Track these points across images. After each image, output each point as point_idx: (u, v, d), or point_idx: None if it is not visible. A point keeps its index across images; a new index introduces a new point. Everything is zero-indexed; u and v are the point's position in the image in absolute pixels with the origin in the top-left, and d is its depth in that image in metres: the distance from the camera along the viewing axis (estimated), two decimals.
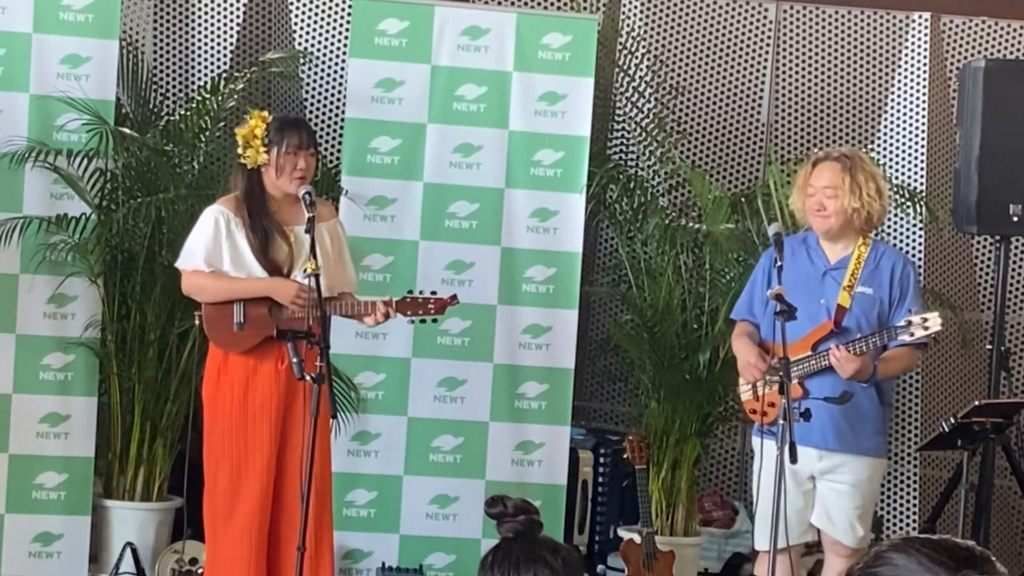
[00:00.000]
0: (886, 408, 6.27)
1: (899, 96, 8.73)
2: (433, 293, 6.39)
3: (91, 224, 7.40)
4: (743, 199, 8.03)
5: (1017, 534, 8.82)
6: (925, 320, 5.99)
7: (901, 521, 8.55)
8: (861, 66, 8.81)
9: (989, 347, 7.90)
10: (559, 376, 7.74)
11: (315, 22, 8.52)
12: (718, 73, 8.83)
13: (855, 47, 8.82)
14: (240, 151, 6.24)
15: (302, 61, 8.42)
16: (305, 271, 6.03)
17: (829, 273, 6.15)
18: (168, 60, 8.52)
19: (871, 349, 6.01)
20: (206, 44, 8.51)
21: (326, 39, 8.52)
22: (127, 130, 7.64)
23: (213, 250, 6.23)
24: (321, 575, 6.22)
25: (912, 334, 6.00)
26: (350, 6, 8.10)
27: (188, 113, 7.87)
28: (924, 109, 8.62)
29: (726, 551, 8.29)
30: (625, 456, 7.77)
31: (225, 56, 8.51)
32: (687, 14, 8.80)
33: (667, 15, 8.78)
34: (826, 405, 5.92)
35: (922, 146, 8.60)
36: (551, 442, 7.73)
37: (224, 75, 8.16)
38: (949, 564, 1.98)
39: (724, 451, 8.75)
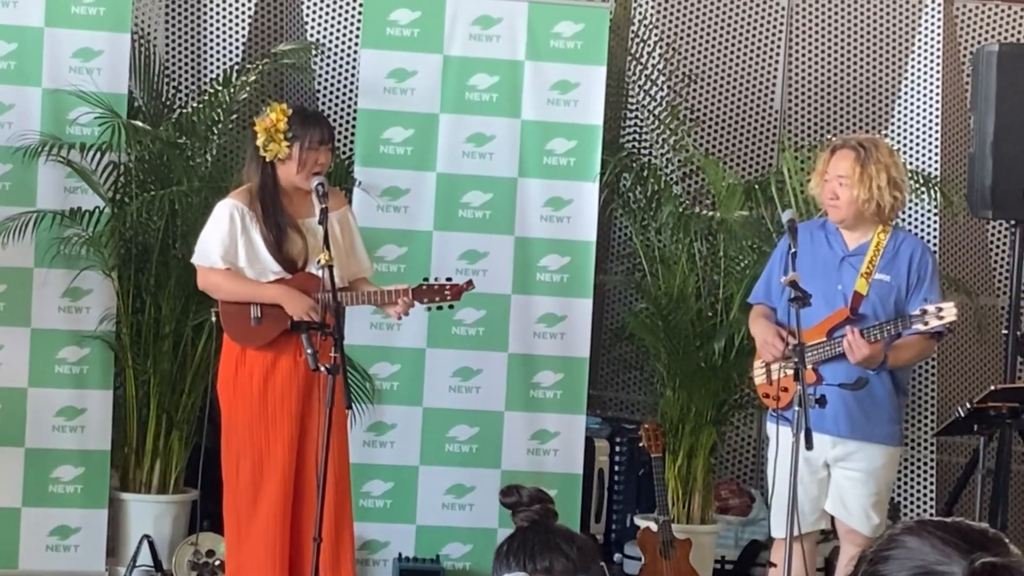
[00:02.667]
0: (901, 397, 6.25)
1: (913, 81, 8.70)
2: (449, 279, 6.41)
3: (105, 217, 7.41)
4: (757, 186, 8.01)
5: None
6: (940, 310, 5.96)
7: (918, 507, 8.54)
8: (874, 51, 8.79)
9: (1005, 332, 7.88)
10: (574, 365, 7.74)
11: (327, 13, 8.52)
12: (731, 60, 8.82)
13: (868, 32, 8.80)
14: (260, 144, 6.23)
15: (314, 52, 8.41)
16: (319, 262, 6.04)
17: (847, 259, 6.14)
18: (180, 53, 8.52)
19: (885, 337, 6.00)
20: (218, 36, 8.51)
21: (338, 30, 8.51)
22: (140, 123, 7.65)
23: (229, 246, 6.24)
24: (342, 566, 6.24)
25: (927, 323, 5.97)
26: None
27: (201, 106, 7.87)
28: (938, 94, 8.59)
29: (743, 539, 8.29)
30: (641, 444, 7.77)
31: (237, 48, 8.51)
32: (699, 1, 8.78)
33: (679, 2, 8.77)
34: (840, 392, 5.91)
35: (936, 131, 8.57)
36: (567, 431, 7.73)
37: (236, 67, 8.16)
38: (962, 546, 1.97)
39: (740, 439, 8.74)
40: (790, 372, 5.89)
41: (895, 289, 6.11)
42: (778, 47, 8.83)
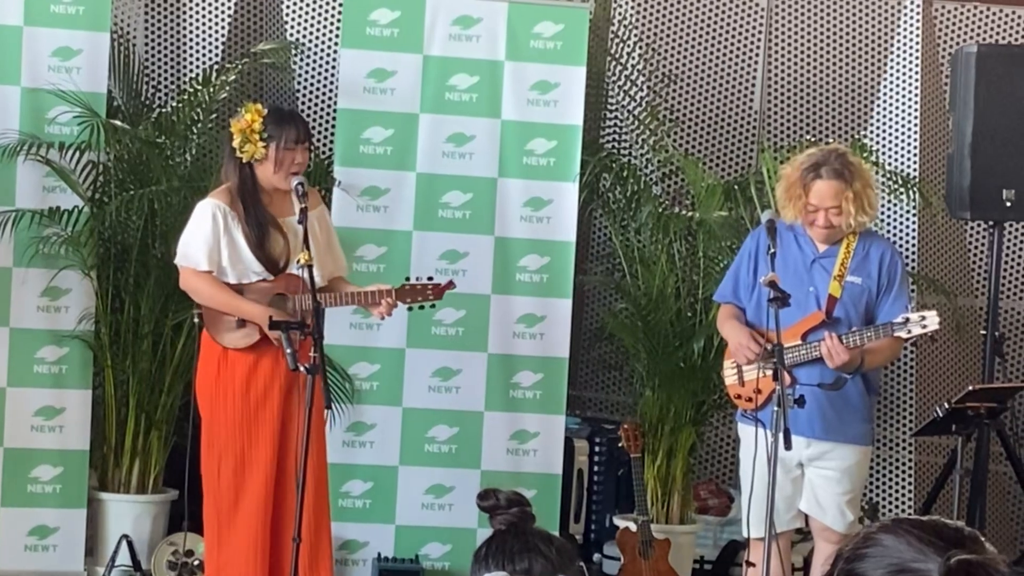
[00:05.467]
0: (872, 396, 6.28)
1: (892, 82, 8.73)
2: (430, 279, 6.42)
3: (84, 217, 7.39)
4: (736, 187, 8.03)
5: (1012, 519, 8.83)
6: (923, 318, 5.97)
7: (896, 507, 8.56)
8: (853, 52, 8.81)
9: (983, 332, 7.90)
10: (553, 365, 7.74)
11: (306, 13, 8.51)
12: (710, 60, 8.83)
13: (847, 33, 8.82)
14: (236, 145, 6.22)
15: (294, 52, 8.41)
16: (299, 262, 6.04)
17: (818, 261, 6.15)
18: (160, 52, 8.51)
19: (863, 343, 6.00)
20: (197, 35, 8.50)
21: (318, 30, 8.51)
22: (119, 122, 7.64)
23: (213, 247, 6.23)
24: (321, 566, 6.24)
25: (909, 331, 5.99)
26: None
27: (180, 105, 7.87)
28: (917, 95, 8.61)
29: (722, 538, 8.30)
30: (620, 445, 7.78)
31: (217, 47, 8.50)
32: (679, 2, 8.80)
33: (659, 3, 8.78)
34: (814, 393, 5.92)
35: (915, 132, 8.60)
36: (546, 431, 7.73)
37: (216, 66, 8.15)
38: (938, 544, 1.99)
39: (719, 439, 8.75)
40: (768, 373, 5.90)
41: (866, 291, 6.13)
42: (758, 48, 8.85)
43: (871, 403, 6.29)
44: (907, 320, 5.98)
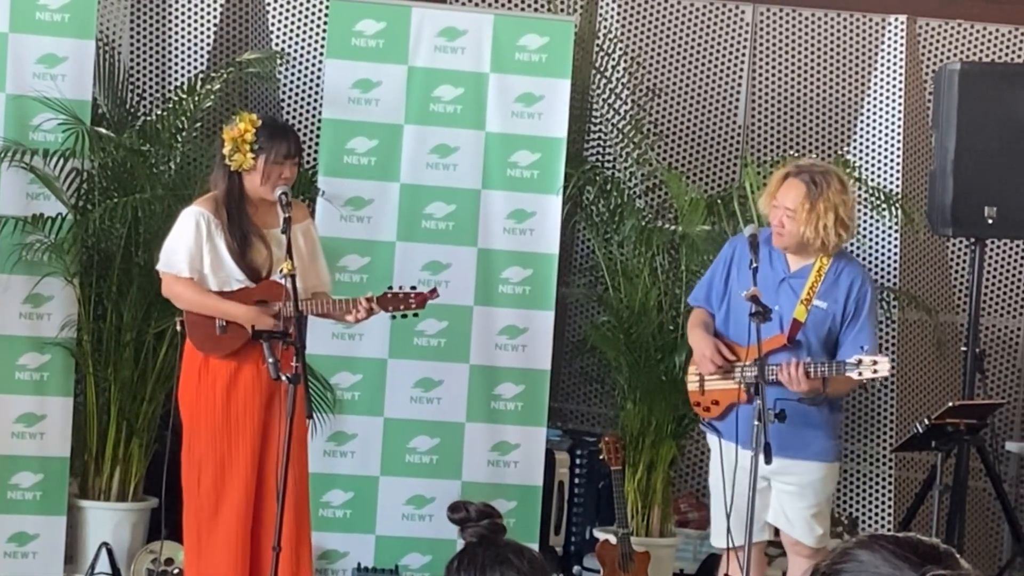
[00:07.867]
0: (837, 413, 6.24)
1: (875, 99, 8.75)
2: (413, 288, 6.42)
3: (67, 224, 7.39)
4: (719, 201, 8.05)
5: (992, 535, 8.85)
6: (875, 363, 5.91)
7: (876, 522, 8.58)
8: (837, 69, 8.84)
9: (964, 349, 7.93)
10: (535, 377, 7.75)
11: (292, 22, 8.52)
12: (695, 75, 8.85)
13: (831, 50, 8.85)
14: (226, 153, 6.23)
15: (279, 61, 8.41)
16: (281, 271, 6.05)
17: (787, 280, 6.10)
18: (145, 60, 8.51)
19: (820, 375, 5.97)
20: (183, 44, 8.51)
21: (303, 40, 8.52)
22: (103, 130, 7.63)
23: (195, 254, 6.24)
24: (302, 575, 6.24)
25: (860, 373, 5.95)
26: (327, 7, 8.11)
27: (165, 113, 7.87)
28: (900, 112, 8.64)
29: (701, 552, 8.31)
30: (601, 457, 7.79)
31: (202, 56, 8.51)
32: (664, 16, 8.82)
33: (644, 17, 8.80)
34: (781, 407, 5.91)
35: (898, 148, 8.62)
36: (527, 443, 7.74)
37: (201, 75, 8.16)
38: (914, 560, 2.00)
39: (700, 452, 8.76)
40: (729, 386, 5.96)
41: (831, 316, 6.07)
42: (742, 62, 8.87)
43: (834, 420, 6.23)
44: (860, 362, 5.93)
